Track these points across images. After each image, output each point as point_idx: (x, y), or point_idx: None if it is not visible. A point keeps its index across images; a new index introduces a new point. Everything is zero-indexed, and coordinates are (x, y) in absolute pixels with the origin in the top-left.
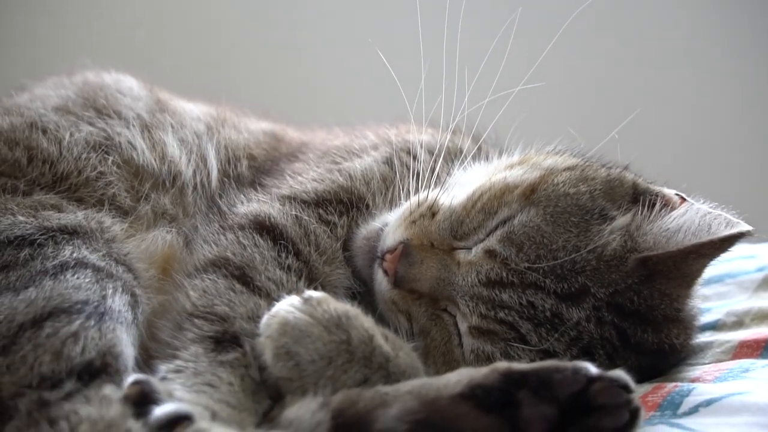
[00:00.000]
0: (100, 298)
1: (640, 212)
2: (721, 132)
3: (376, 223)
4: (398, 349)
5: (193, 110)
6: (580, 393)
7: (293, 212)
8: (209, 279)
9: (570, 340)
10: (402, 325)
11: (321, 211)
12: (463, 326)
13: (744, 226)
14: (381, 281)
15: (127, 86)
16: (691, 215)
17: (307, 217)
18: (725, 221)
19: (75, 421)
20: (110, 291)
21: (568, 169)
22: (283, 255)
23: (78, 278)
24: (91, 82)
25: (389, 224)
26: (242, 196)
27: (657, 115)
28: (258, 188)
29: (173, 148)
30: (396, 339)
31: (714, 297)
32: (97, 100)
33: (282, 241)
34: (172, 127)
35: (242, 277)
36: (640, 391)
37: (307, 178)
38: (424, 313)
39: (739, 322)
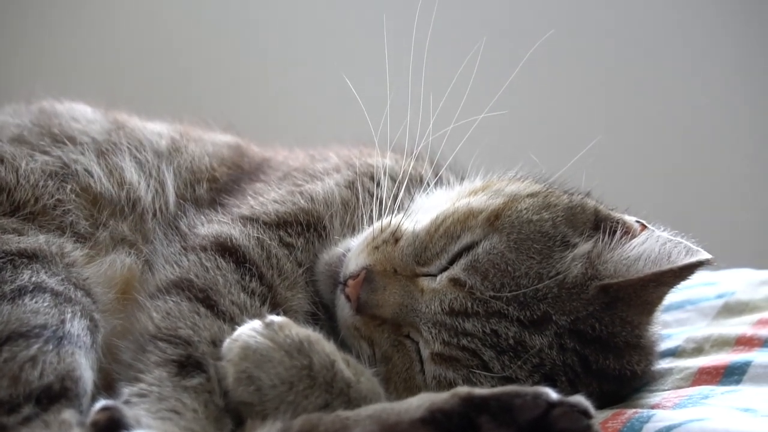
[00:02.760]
0: (59, 323)
1: (601, 240)
2: (681, 159)
3: (338, 249)
4: (360, 375)
5: (154, 130)
6: (541, 418)
7: (255, 234)
8: (173, 301)
9: (532, 367)
10: (364, 350)
11: (282, 233)
12: (425, 353)
13: (703, 255)
14: (343, 307)
15: (80, 111)
16: (651, 243)
17: (269, 240)
18: (685, 249)
19: None
20: (69, 315)
21: (531, 195)
22: (247, 278)
23: (36, 303)
24: (46, 110)
25: (352, 250)
26: (202, 217)
27: (618, 142)
28: (219, 208)
29: (131, 173)
30: (357, 364)
31: (674, 323)
32: (52, 128)
33: (246, 264)
34: (129, 148)
35: (206, 300)
36: (600, 418)
37: (268, 198)
38: (386, 339)
39: (698, 349)
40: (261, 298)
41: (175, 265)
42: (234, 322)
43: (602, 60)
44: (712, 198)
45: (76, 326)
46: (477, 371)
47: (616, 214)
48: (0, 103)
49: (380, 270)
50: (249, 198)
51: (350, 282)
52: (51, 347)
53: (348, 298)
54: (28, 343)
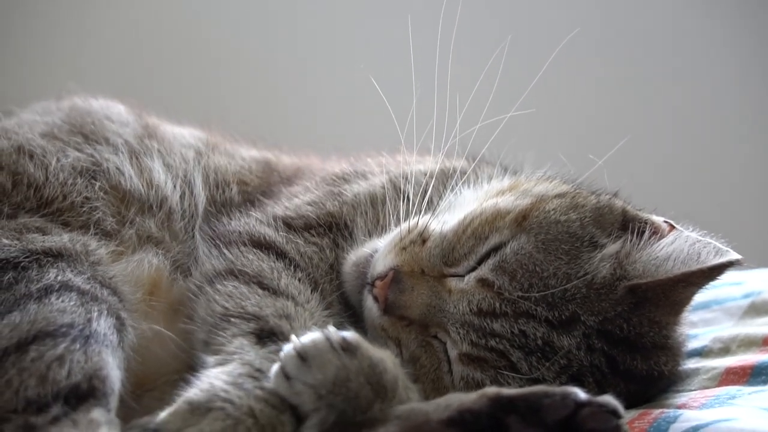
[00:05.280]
0: (86, 321)
1: (629, 240)
2: (709, 159)
3: (365, 249)
4: (410, 392)
5: (184, 135)
6: (569, 418)
7: (283, 233)
8: (231, 285)
9: (560, 368)
10: (391, 351)
11: (307, 234)
12: (453, 353)
13: (733, 255)
14: (371, 308)
15: (115, 112)
16: (680, 243)
17: (296, 240)
18: (714, 250)
19: None
20: (95, 314)
21: (559, 196)
22: (291, 267)
23: (63, 301)
24: (78, 108)
25: (379, 251)
26: (237, 213)
27: (647, 142)
28: (252, 206)
29: (159, 174)
30: (408, 383)
31: (700, 323)
32: (84, 126)
33: (287, 256)
34: (160, 153)
35: (260, 283)
36: (626, 418)
37: (302, 201)
38: (414, 339)
39: (725, 349)
40: (310, 284)
41: (219, 258)
42: (295, 301)
43: (629, 58)
44: (740, 197)
45: (103, 325)
46: (505, 372)
47: (644, 215)
48: (26, 102)
49: (408, 271)
50: (284, 199)
51: (378, 283)
52: (78, 346)
53: (376, 298)
54: (55, 342)
